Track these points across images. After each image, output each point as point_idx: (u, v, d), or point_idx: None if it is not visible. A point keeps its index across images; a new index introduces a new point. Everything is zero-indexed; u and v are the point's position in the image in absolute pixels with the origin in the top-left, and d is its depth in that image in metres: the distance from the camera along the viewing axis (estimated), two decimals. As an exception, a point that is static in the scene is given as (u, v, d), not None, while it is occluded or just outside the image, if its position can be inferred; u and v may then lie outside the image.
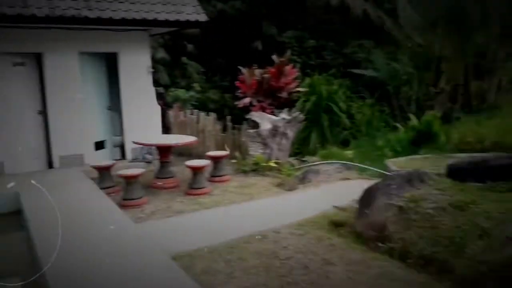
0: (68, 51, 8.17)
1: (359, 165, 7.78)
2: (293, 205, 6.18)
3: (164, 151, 7.23)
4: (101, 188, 6.74)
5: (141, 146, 8.89)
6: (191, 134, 9.92)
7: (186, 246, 4.60)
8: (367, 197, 4.99)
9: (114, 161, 7.06)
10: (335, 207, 5.66)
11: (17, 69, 7.88)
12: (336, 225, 5.13)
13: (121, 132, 9.44)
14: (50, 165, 8.33)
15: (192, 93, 12.02)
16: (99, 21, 7.75)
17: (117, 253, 4.33)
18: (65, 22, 7.68)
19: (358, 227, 4.86)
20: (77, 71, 8.28)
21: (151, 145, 7.59)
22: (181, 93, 11.81)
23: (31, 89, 8.12)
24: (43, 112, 8.26)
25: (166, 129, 10.77)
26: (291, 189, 6.94)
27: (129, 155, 8.93)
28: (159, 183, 7.13)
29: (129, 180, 6.28)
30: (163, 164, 7.25)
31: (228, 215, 5.82)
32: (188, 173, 7.12)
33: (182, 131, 10.34)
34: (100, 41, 8.42)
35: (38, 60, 8.14)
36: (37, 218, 5.30)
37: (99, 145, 8.82)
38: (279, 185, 7.20)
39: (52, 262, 3.96)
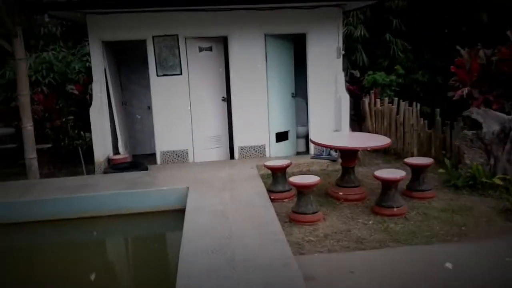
0: (254, 33, 7.45)
1: None
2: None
3: (347, 154, 5.88)
4: (272, 192, 5.84)
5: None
6: (388, 127, 8.34)
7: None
8: None
9: (288, 162, 6.02)
10: None
11: (203, 54, 7.54)
12: None
13: (306, 121, 8.45)
14: (231, 155, 7.90)
15: (393, 76, 10.21)
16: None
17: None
18: (252, 1, 6.97)
19: None
20: (262, 55, 7.52)
21: (331, 147, 6.27)
22: (379, 76, 10.12)
23: (216, 75, 7.73)
24: (227, 99, 7.81)
25: (359, 119, 9.35)
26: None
27: (312, 148, 7.87)
28: (340, 193, 5.84)
29: (302, 190, 5.17)
30: (346, 169, 5.91)
31: (429, 263, 4.14)
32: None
33: (378, 122, 8.77)
34: (286, 21, 7.45)
35: (224, 44, 7.67)
36: (189, 219, 4.66)
37: (281, 136, 7.99)
38: (509, 214, 5.11)
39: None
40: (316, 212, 5.19)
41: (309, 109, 7.86)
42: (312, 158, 7.59)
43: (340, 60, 7.73)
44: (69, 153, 8.64)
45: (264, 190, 5.61)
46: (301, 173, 7.09)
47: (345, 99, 7.54)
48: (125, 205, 5.60)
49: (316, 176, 5.33)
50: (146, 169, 7.06)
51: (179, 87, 7.42)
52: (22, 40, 6.17)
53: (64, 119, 9.02)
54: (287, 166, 6.00)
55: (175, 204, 5.66)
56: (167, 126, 7.50)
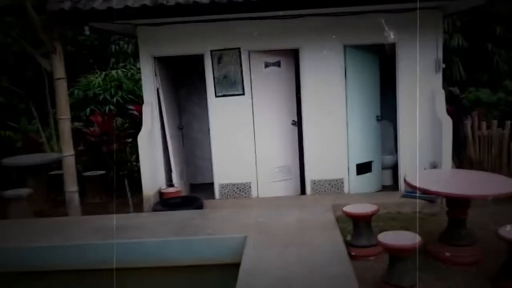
0: (331, 44, 6.19)
1: None
2: None
3: (455, 203, 4.33)
4: (353, 246, 4.48)
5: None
6: (497, 157, 6.63)
7: None
8: None
9: (374, 208, 4.61)
10: None
11: (270, 71, 6.40)
12: None
13: (395, 149, 6.97)
14: (303, 190, 6.62)
15: (501, 94, 8.38)
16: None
17: None
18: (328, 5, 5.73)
19: None
20: (341, 71, 6.23)
21: (436, 193, 4.55)
22: (484, 94, 8.36)
23: (285, 95, 6.54)
24: (298, 123, 6.58)
25: (457, 146, 7.66)
26: None
27: (402, 184, 6.37)
28: (446, 253, 4.32)
29: (395, 254, 3.76)
30: (455, 221, 4.39)
31: None
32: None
33: (483, 151, 7.05)
34: (371, 28, 6.09)
35: (295, 58, 6.49)
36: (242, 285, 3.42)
37: (364, 168, 6.58)
38: None
39: None
40: (413, 286, 3.73)
41: (399, 135, 6.38)
42: (403, 196, 6.09)
43: (440, 75, 6.21)
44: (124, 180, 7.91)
45: (343, 246, 4.25)
46: (389, 216, 5.66)
47: (447, 123, 5.97)
48: (166, 255, 4.51)
49: (415, 235, 3.88)
50: (201, 206, 6.00)
51: (241, 109, 6.33)
52: (62, 57, 5.43)
53: (123, 142, 8.35)
54: (373, 213, 4.60)
55: (228, 258, 4.47)
56: (227, 155, 6.42)
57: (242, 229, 4.79)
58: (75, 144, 8.87)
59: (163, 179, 6.51)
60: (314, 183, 6.41)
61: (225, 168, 6.43)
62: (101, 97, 8.94)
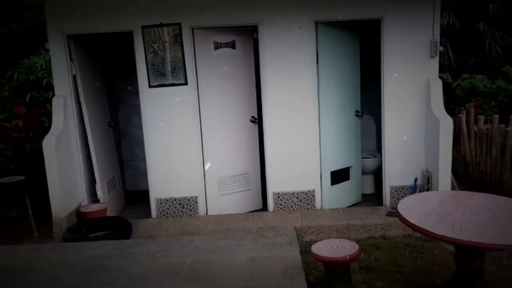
0: (299, 20, 4.79)
1: None
2: None
3: (469, 250, 3.00)
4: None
5: (416, 183, 4.96)
6: (499, 159, 5.45)
7: None
8: None
9: (355, 250, 3.27)
10: None
11: (221, 54, 4.95)
12: None
13: (377, 150, 5.70)
14: (264, 204, 5.28)
15: (501, 82, 7.14)
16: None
17: None
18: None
19: None
20: (312, 54, 4.84)
21: (440, 238, 2.94)
22: (480, 82, 7.12)
23: (242, 85, 5.12)
24: (258, 120, 5.20)
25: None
26: None
27: (387, 195, 5.10)
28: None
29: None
30: (467, 271, 3.08)
31: None
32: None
33: (481, 150, 5.87)
34: (349, 0, 4.74)
35: (253, 38, 5.06)
36: None
37: (340, 176, 5.26)
38: None
39: None
40: None
41: (384, 134, 5.07)
42: (389, 215, 4.81)
43: (436, 61, 4.89)
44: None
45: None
46: (372, 243, 4.41)
47: (445, 121, 4.67)
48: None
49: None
50: (129, 232, 4.59)
51: (183, 103, 4.89)
52: None
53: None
54: (353, 258, 3.26)
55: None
56: (166, 162, 5.00)
57: (169, 277, 3.44)
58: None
59: (84, 193, 5.05)
60: (278, 197, 5.07)
61: (163, 179, 5.01)
62: (44, 82, 7.32)
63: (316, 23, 4.80)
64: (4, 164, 6.99)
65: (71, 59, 4.85)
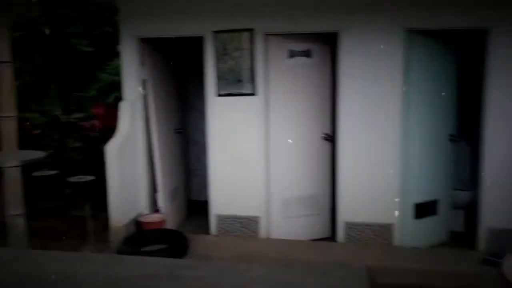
0: (385, 28, 4.21)
1: None
2: None
3: None
4: None
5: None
6: None
7: None
8: None
9: None
10: None
11: (295, 63, 4.52)
12: None
13: (472, 182, 4.89)
14: (333, 232, 4.73)
15: None
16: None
17: None
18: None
19: None
20: (399, 67, 4.23)
21: None
22: None
23: (317, 97, 4.65)
24: (331, 138, 4.68)
25: None
26: None
27: (482, 237, 4.29)
28: None
29: None
30: None
31: None
32: None
33: None
34: (447, 6, 4.05)
35: (331, 46, 4.57)
36: None
37: (425, 209, 4.55)
38: None
39: None
40: None
41: (483, 161, 4.27)
42: (485, 263, 4.01)
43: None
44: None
45: None
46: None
47: None
48: None
49: None
50: (185, 248, 4.32)
51: (251, 114, 4.53)
52: (6, 34, 3.93)
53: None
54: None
55: None
56: (229, 177, 4.67)
57: None
58: (72, 139, 7.59)
59: (145, 202, 4.89)
60: (350, 227, 4.49)
61: (224, 194, 4.68)
62: None
63: (407, 31, 4.18)
64: (78, 163, 7.20)
65: (142, 63, 4.72)
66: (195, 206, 5.79)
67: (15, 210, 4.12)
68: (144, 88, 4.76)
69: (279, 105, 4.53)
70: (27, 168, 6.49)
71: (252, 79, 4.42)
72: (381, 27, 4.21)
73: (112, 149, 4.39)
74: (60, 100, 8.14)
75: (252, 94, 4.45)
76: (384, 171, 4.37)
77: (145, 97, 4.80)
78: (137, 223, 4.69)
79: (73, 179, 6.29)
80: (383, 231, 4.43)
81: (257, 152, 4.56)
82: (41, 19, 7.34)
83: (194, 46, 4.89)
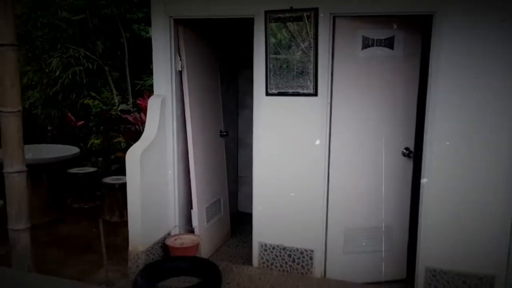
0: (500, 11, 3.01)
1: None
2: None
3: None
4: None
5: None
6: None
7: None
8: None
9: None
10: None
11: (371, 55, 3.43)
12: None
13: None
14: (410, 274, 3.63)
15: None
16: None
17: None
18: None
19: None
20: (516, 63, 3.03)
21: None
22: None
23: (399, 101, 3.53)
24: (415, 153, 3.56)
25: None
26: None
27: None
28: None
29: None
30: None
31: None
32: None
33: None
34: None
35: (423, 34, 3.43)
36: None
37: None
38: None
39: None
40: None
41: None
42: None
43: None
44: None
45: None
46: None
47: None
48: None
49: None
50: (217, 286, 3.42)
51: (308, 120, 3.51)
52: (11, 10, 3.19)
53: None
54: None
55: None
56: (277, 195, 3.70)
57: None
58: (117, 133, 6.95)
59: (175, 219, 4.04)
60: (434, 274, 3.37)
61: (271, 217, 3.72)
62: None
63: (534, 14, 2.97)
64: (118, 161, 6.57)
65: (177, 51, 3.84)
66: (243, 219, 4.90)
67: (19, 223, 3.41)
68: (180, 80, 3.89)
69: (346, 110, 3.47)
70: (62, 163, 5.96)
71: (313, 75, 3.40)
72: (495, 10, 3.02)
73: (134, 155, 3.56)
74: (119, 87, 7.58)
75: (312, 95, 3.43)
76: (491, 202, 3.20)
77: (181, 92, 3.93)
78: (164, 247, 3.86)
79: (108, 179, 5.65)
80: (482, 285, 3.27)
81: (314, 169, 3.55)
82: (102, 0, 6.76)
83: (245, 30, 3.94)
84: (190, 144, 3.97)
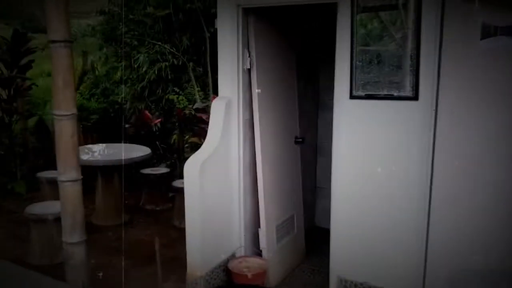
0: None
1: None
2: None
3: None
4: None
5: None
6: None
7: None
8: None
9: None
10: None
11: (494, 46, 2.59)
12: None
13: None
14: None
15: None
16: None
17: None
18: None
19: None
20: None
21: None
22: None
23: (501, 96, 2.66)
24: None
25: None
26: None
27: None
28: None
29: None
30: None
31: None
32: None
33: None
34: None
35: None
36: None
37: None
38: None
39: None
40: None
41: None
42: None
43: None
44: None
45: None
46: None
47: None
48: None
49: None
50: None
51: (404, 129, 2.77)
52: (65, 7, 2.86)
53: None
54: None
55: None
56: (360, 218, 3.01)
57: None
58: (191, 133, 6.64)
59: (241, 240, 3.52)
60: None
61: (353, 246, 3.04)
62: None
63: None
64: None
65: (246, 46, 3.30)
66: (320, 236, 4.25)
67: (73, 236, 3.12)
68: (250, 80, 3.34)
69: (458, 118, 2.67)
70: (135, 164, 5.79)
71: (413, 74, 2.65)
72: None
73: (192, 167, 3.08)
74: (202, 83, 7.36)
75: (411, 98, 2.69)
76: None
77: (249, 93, 3.38)
78: (227, 271, 3.36)
79: (178, 182, 5.33)
80: None
81: (411, 192, 2.81)
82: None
83: (328, 20, 3.29)
84: (259, 153, 3.41)
